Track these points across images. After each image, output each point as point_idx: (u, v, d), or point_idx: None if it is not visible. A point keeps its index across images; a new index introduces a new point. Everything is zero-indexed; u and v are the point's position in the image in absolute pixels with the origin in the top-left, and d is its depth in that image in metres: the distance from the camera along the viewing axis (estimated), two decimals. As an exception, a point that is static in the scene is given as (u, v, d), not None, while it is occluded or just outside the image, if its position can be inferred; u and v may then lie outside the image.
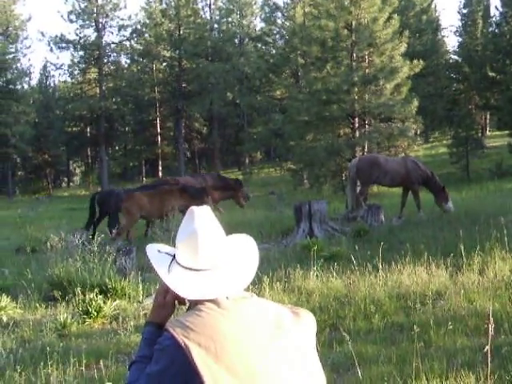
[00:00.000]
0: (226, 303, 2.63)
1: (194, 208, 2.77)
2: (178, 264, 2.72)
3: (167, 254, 2.78)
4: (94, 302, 9.95)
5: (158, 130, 65.99)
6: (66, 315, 9.63)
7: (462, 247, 10.62)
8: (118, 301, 10.67)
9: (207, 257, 2.68)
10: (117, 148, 73.46)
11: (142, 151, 67.84)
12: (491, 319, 4.38)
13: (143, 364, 2.63)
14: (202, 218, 2.72)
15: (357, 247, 12.46)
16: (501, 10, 58.66)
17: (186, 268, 2.69)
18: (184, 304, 2.81)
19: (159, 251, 2.81)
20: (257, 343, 2.59)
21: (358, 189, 20.47)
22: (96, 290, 10.59)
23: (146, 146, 67.24)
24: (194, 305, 2.66)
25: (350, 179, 20.77)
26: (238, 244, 2.87)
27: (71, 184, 77.77)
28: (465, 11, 66.62)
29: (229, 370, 2.50)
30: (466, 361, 6.67)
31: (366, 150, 35.35)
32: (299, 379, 2.64)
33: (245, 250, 2.86)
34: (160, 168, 64.61)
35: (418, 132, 48.77)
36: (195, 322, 2.54)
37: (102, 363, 7.14)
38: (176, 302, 2.81)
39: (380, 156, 22.31)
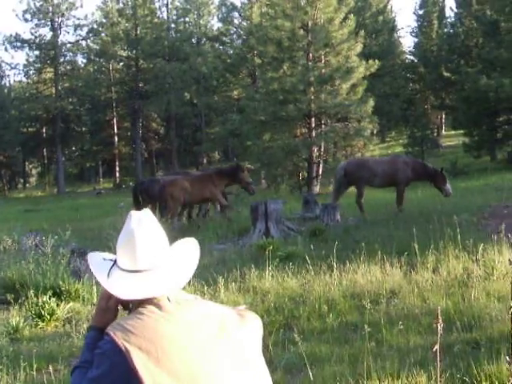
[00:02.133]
0: (168, 306, 2.61)
1: (132, 211, 2.76)
2: (118, 267, 2.69)
3: (111, 260, 2.76)
4: (46, 305, 9.80)
5: (115, 131, 65.63)
6: (18, 319, 9.49)
7: (416, 246, 10.68)
8: (71, 303, 10.53)
9: (145, 257, 2.65)
10: (73, 148, 72.78)
11: (99, 151, 67.46)
12: (440, 318, 4.41)
13: (85, 369, 2.59)
14: (139, 220, 2.69)
15: (312, 247, 12.47)
16: (456, 10, 59.59)
17: (126, 270, 2.67)
18: (128, 309, 2.77)
19: (104, 259, 2.79)
20: (199, 345, 2.57)
21: (352, 191, 20.56)
22: (49, 292, 10.39)
23: (103, 147, 66.85)
24: (136, 308, 2.63)
25: (336, 181, 20.82)
26: (178, 244, 2.86)
27: (27, 185, 76.95)
28: (420, 12, 67.37)
29: (170, 373, 2.48)
30: (419, 359, 6.69)
31: (322, 149, 35.55)
32: (243, 381, 2.62)
33: (184, 250, 2.85)
34: (117, 168, 64.28)
35: (375, 132, 49.07)
36: (136, 325, 2.52)
37: (51, 367, 7.02)
38: (119, 306, 2.79)
39: (369, 158, 22.36)
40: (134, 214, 2.73)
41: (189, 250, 2.87)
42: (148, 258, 2.65)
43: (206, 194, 20.79)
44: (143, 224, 2.68)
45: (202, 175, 22.40)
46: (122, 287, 2.64)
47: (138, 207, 21.62)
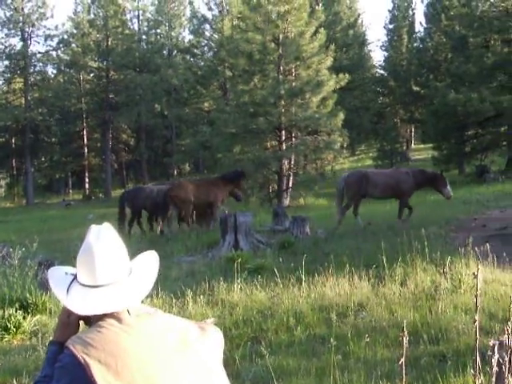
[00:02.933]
0: (128, 319, 2.60)
1: (92, 226, 2.74)
2: (78, 283, 2.68)
3: (72, 275, 2.74)
4: (13, 318, 9.68)
5: (85, 142, 65.27)
6: (-17, 332, 9.39)
7: (385, 259, 10.72)
8: (38, 316, 10.41)
9: (104, 272, 2.64)
10: (43, 159, 72.16)
11: (69, 163, 66.97)
12: (405, 331, 4.43)
13: (46, 383, 2.58)
14: (98, 234, 2.68)
15: (281, 259, 12.49)
16: (425, 25, 60.12)
17: (85, 286, 2.65)
18: (89, 323, 2.76)
19: (66, 273, 2.76)
20: (159, 358, 2.57)
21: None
22: (16, 305, 10.30)
23: (73, 158, 66.39)
24: (96, 322, 2.62)
25: (338, 193, 20.88)
26: (138, 258, 2.84)
27: (-4, 196, 76.19)
28: (391, 26, 67.98)
29: None
30: (386, 372, 6.70)
31: (292, 162, 35.64)
32: None
33: (144, 263, 2.83)
34: (87, 180, 63.90)
35: (345, 145, 49.33)
36: (96, 339, 2.51)
37: (16, 381, 6.95)
38: (81, 321, 2.78)
39: (369, 170, 22.43)
40: (93, 228, 2.71)
41: (148, 263, 2.85)
42: (107, 272, 2.64)
43: (211, 199, 21.30)
44: (101, 238, 2.67)
45: (207, 180, 23.36)
46: (80, 303, 2.63)
47: (123, 216, 22.11)
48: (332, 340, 6.49)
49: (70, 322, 2.75)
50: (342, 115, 34.67)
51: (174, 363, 2.59)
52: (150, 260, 2.86)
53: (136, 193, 23.06)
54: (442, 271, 10.58)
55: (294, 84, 35.40)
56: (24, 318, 9.94)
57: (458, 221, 19.62)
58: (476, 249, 10.92)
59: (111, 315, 2.60)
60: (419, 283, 10.31)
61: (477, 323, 4.64)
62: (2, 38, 61.04)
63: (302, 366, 7.16)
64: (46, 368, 2.68)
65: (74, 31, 63.53)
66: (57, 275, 2.77)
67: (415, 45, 61.47)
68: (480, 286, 4.84)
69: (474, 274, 4.52)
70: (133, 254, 2.83)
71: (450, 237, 16.01)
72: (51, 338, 2.86)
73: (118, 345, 2.51)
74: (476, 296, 4.64)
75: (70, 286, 2.68)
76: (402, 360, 4.43)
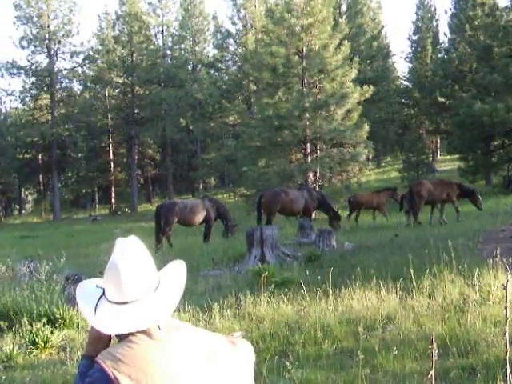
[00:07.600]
0: (158, 334, 2.59)
1: (117, 240, 2.72)
2: (106, 299, 2.66)
3: (102, 289, 2.72)
4: (41, 332, 9.68)
5: (111, 157, 65.72)
6: (12, 346, 9.38)
7: (412, 271, 10.62)
8: (66, 330, 10.42)
9: (131, 289, 2.62)
10: (69, 175, 72.79)
11: (95, 178, 67.46)
12: (434, 344, 4.38)
13: None
14: (122, 251, 2.66)
15: (308, 272, 12.42)
16: (449, 36, 59.77)
17: (113, 302, 2.63)
18: (120, 337, 2.74)
19: (97, 286, 2.74)
20: (189, 373, 2.55)
21: None
22: (44, 319, 10.28)
23: (99, 173, 66.85)
24: (126, 336, 2.61)
25: None
26: (165, 271, 2.81)
27: (23, 211, 76.76)
28: (415, 38, 67.87)
29: None
30: (414, 385, 6.65)
31: (318, 175, 35.58)
32: None
33: (171, 277, 2.79)
34: (113, 195, 64.22)
35: (370, 157, 49.21)
36: (126, 354, 2.50)
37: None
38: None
39: None
40: (119, 242, 2.70)
41: (176, 274, 2.82)
42: (134, 288, 2.62)
43: (444, 197, 24.41)
44: (127, 253, 2.65)
45: (442, 181, 26.53)
46: (107, 323, 2.61)
47: (160, 229, 22.75)
48: (360, 353, 6.45)
49: (101, 336, 2.72)
50: (366, 127, 34.66)
51: (203, 378, 2.57)
52: (177, 271, 2.83)
53: (170, 206, 23.50)
54: (470, 283, 10.47)
55: (318, 97, 35.45)
56: (52, 332, 9.94)
57: (486, 232, 19.43)
58: (504, 260, 10.80)
59: (141, 330, 2.59)
60: (447, 295, 10.19)
61: (507, 335, 4.59)
62: (29, 55, 61.82)
63: (330, 379, 7.11)
64: (78, 382, 2.67)
65: (99, 47, 64.13)
66: (86, 291, 2.75)
67: (439, 56, 61.16)
68: (509, 297, 4.78)
69: (503, 285, 4.47)
70: (159, 267, 2.81)
71: (478, 248, 15.85)
72: (83, 353, 2.84)
73: (147, 360, 2.49)
74: (506, 308, 4.59)
75: (98, 302, 2.66)
76: (431, 373, 4.38)
